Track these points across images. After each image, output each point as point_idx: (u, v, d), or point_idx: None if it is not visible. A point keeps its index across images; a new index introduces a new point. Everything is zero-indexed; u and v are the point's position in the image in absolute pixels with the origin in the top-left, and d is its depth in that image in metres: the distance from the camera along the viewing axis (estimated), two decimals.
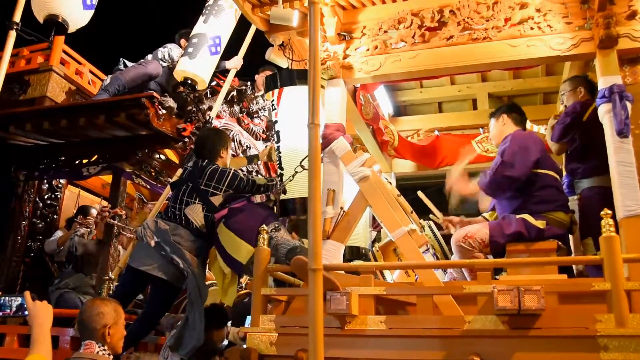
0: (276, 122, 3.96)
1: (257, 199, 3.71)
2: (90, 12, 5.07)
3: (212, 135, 3.99)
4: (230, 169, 3.73)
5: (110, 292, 4.02)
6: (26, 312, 2.35)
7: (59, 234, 5.29)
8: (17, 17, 4.34)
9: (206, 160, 3.77)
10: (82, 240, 4.97)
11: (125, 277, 3.84)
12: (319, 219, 1.93)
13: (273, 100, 3.97)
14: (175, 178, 4.62)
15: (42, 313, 2.21)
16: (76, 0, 4.87)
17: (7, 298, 4.25)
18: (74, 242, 4.95)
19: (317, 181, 1.97)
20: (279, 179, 3.81)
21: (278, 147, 3.89)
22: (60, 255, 5.14)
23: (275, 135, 3.95)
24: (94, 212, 5.36)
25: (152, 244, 3.58)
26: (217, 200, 3.67)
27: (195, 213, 3.65)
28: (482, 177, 3.56)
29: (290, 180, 3.70)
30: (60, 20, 4.82)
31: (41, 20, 4.87)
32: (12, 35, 4.30)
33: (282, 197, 3.82)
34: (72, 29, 5.02)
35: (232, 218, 3.55)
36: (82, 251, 4.91)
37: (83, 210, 5.38)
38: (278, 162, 3.90)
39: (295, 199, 3.79)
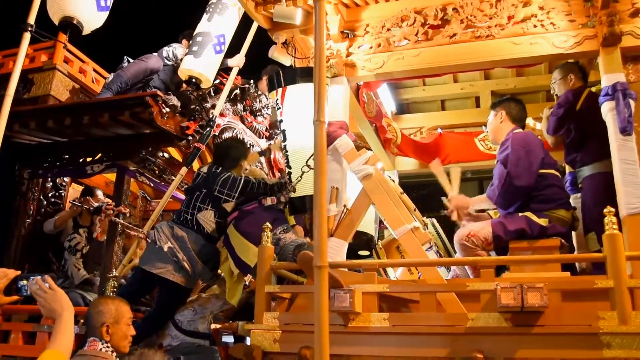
0: (281, 121, 3.97)
1: (268, 201, 3.72)
2: (105, 14, 5.08)
3: (236, 145, 4.13)
4: (242, 177, 3.83)
5: (114, 289, 4.04)
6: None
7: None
8: (32, 19, 4.35)
9: (220, 168, 3.88)
10: (72, 260, 4.92)
11: (135, 277, 3.91)
12: (324, 216, 1.94)
13: (277, 99, 3.98)
14: (179, 177, 4.65)
15: (57, 308, 2.03)
16: (90, 2, 4.89)
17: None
18: (66, 260, 4.95)
19: (323, 178, 1.98)
20: (288, 177, 3.83)
21: (285, 145, 3.91)
22: (64, 237, 5.19)
23: (281, 134, 3.96)
24: (99, 193, 5.40)
25: (165, 248, 3.65)
26: (229, 206, 3.78)
27: (207, 218, 3.77)
28: (490, 190, 3.52)
29: (299, 181, 3.72)
30: (75, 22, 4.84)
31: (56, 22, 4.88)
32: (27, 37, 4.31)
33: (292, 195, 3.84)
34: (87, 30, 5.03)
35: (242, 220, 3.60)
36: (70, 274, 4.90)
37: (89, 191, 5.44)
38: (285, 160, 3.92)
39: (304, 196, 3.81)
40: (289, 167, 3.84)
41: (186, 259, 3.66)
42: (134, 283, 3.88)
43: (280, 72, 4.08)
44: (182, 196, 4.87)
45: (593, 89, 3.74)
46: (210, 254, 3.78)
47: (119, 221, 4.61)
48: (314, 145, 2.03)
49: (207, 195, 3.81)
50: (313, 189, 3.69)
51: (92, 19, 4.90)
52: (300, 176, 3.69)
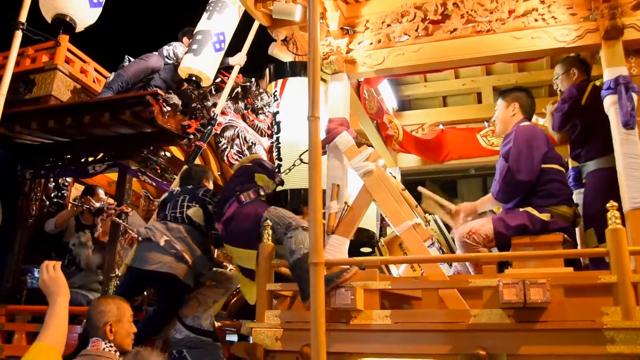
0: (277, 112, 3.94)
1: (247, 197, 3.69)
2: (98, 10, 5.07)
3: (195, 168, 4.42)
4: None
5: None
6: None
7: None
8: (23, 17, 4.35)
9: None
10: (83, 250, 4.96)
11: (126, 279, 3.91)
12: (320, 213, 1.92)
13: (276, 90, 3.96)
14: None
15: (55, 291, 1.91)
16: None
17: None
18: (75, 253, 4.96)
19: (318, 175, 1.96)
20: (277, 170, 3.83)
21: (277, 138, 3.89)
22: (67, 236, 5.23)
23: (275, 126, 3.94)
24: (100, 192, 5.41)
25: (162, 242, 3.67)
26: (211, 209, 3.91)
27: (197, 214, 3.87)
28: (494, 185, 3.50)
29: (287, 174, 3.69)
30: (68, 19, 4.83)
31: (49, 20, 4.88)
32: (18, 36, 4.31)
33: (280, 188, 3.83)
34: (80, 27, 5.01)
35: (227, 232, 3.53)
36: (84, 263, 4.92)
37: (90, 190, 5.44)
38: (277, 153, 3.91)
39: (291, 189, 3.80)
40: (279, 160, 3.84)
41: (185, 249, 3.70)
42: (124, 284, 3.87)
43: (286, 64, 4.06)
44: None
45: (597, 83, 3.69)
46: (205, 243, 3.88)
47: (119, 221, 4.61)
48: (309, 142, 2.01)
49: (191, 198, 3.94)
50: (300, 183, 3.75)
51: (85, 15, 4.90)
52: (289, 169, 3.68)
